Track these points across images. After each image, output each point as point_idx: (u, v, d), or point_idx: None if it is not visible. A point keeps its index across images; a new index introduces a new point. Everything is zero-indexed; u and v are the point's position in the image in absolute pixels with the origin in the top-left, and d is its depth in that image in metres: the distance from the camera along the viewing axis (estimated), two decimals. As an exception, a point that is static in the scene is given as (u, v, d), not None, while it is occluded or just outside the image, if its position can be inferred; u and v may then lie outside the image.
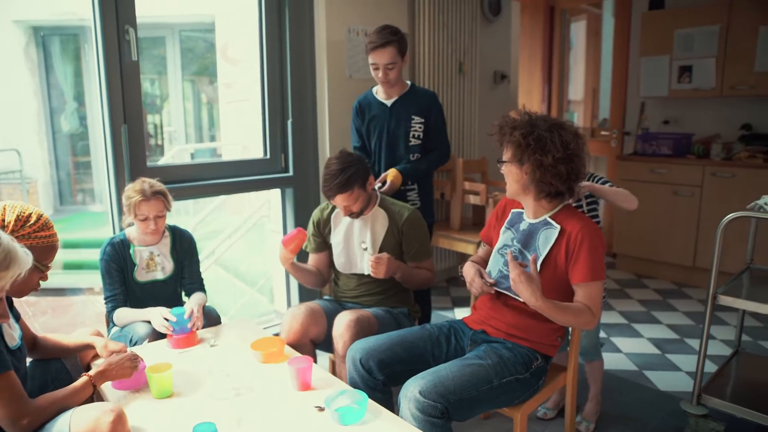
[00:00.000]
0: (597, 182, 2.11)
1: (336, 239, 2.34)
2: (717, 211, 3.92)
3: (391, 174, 2.60)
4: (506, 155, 1.79)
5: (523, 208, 1.90)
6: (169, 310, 2.07)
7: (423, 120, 2.71)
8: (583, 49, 6.19)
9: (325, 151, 3.30)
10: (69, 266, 5.62)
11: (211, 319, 2.29)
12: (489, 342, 1.86)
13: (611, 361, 2.96)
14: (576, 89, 6.29)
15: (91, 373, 1.62)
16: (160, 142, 7.69)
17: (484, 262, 2.02)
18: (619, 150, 4.89)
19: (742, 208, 2.07)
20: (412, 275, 2.28)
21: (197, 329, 2.11)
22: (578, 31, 6.26)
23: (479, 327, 1.92)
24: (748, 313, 3.24)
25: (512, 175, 1.79)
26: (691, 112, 4.52)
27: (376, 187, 2.43)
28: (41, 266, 1.54)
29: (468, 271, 1.91)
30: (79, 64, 7.15)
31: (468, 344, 1.90)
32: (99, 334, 1.97)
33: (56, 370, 1.82)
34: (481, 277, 1.86)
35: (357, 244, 2.30)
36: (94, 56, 2.54)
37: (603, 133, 5.13)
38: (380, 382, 1.82)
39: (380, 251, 2.27)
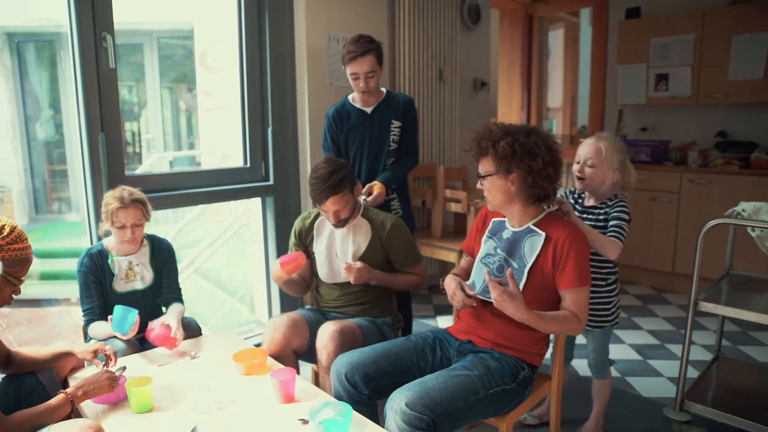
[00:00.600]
0: (615, 210, 2.02)
1: (319, 248, 2.31)
2: (695, 217, 3.98)
3: (378, 186, 2.59)
4: (488, 168, 1.77)
5: (503, 217, 1.90)
6: (121, 308, 2.01)
7: (400, 124, 2.72)
8: (561, 56, 6.27)
9: (306, 159, 3.27)
10: (45, 276, 5.50)
11: (191, 330, 2.25)
12: (476, 352, 1.85)
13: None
14: (554, 96, 6.36)
15: (69, 390, 1.57)
16: (138, 150, 7.59)
17: (466, 274, 2.02)
18: (598, 157, 4.94)
19: (719, 214, 2.10)
20: (393, 281, 2.28)
21: (179, 342, 2.07)
22: (556, 39, 6.33)
23: (465, 337, 1.91)
24: (727, 318, 3.28)
25: (497, 186, 1.78)
26: (668, 120, 4.60)
27: (361, 199, 2.41)
28: (14, 279, 1.49)
29: (449, 284, 1.90)
30: (55, 70, 7.02)
31: (454, 354, 1.89)
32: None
33: (31, 385, 1.77)
34: (463, 290, 1.85)
35: (340, 254, 2.28)
36: (71, 64, 2.49)
37: (582, 140, 5.18)
38: (365, 396, 1.80)
39: (362, 261, 2.25)
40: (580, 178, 2.10)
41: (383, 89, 2.75)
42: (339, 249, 2.27)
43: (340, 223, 2.23)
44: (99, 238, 2.33)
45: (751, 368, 2.62)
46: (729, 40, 3.98)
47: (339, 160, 2.21)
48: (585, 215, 2.12)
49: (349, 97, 2.76)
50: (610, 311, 2.14)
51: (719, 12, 4.04)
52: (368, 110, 2.70)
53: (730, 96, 4.04)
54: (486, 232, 1.93)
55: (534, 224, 1.81)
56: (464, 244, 2.07)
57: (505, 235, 1.86)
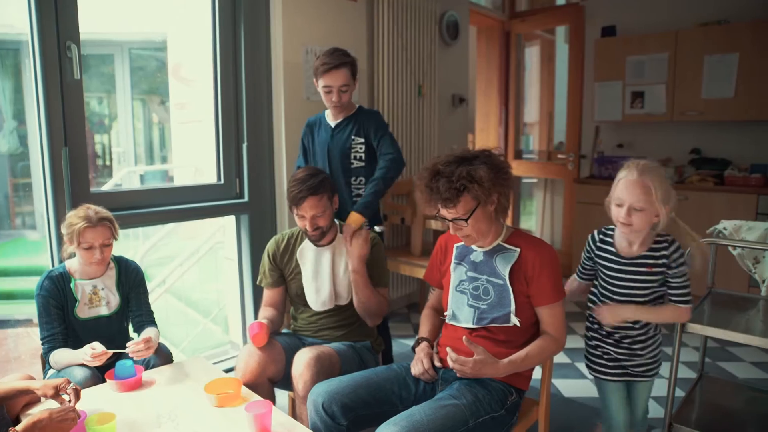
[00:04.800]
0: (677, 263, 1.77)
1: (306, 275, 2.20)
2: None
3: (353, 219, 2.33)
4: (469, 206, 1.66)
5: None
6: (105, 350, 1.90)
7: (363, 140, 2.60)
8: (537, 72, 6.30)
9: (282, 176, 3.18)
10: (2, 296, 5.23)
11: (161, 356, 2.11)
12: (461, 379, 1.77)
13: (577, 388, 2.92)
14: (530, 112, 6.38)
15: (20, 427, 1.41)
16: (108, 163, 7.39)
17: (437, 310, 2.00)
18: (576, 173, 4.95)
19: (697, 231, 2.06)
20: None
21: (142, 356, 1.95)
22: (532, 55, 6.38)
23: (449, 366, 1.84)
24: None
25: (481, 219, 1.70)
26: (644, 136, 4.64)
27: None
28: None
29: (419, 353, 1.88)
30: (20, 80, 6.79)
31: (440, 384, 1.81)
32: (30, 378, 1.77)
33: (-21, 424, 1.62)
34: (432, 360, 1.84)
35: (327, 274, 2.19)
36: (32, 74, 2.36)
37: (560, 156, 5.19)
38: (344, 428, 1.70)
39: (346, 279, 2.19)
40: (625, 224, 1.76)
41: (357, 105, 2.68)
42: (329, 272, 2.18)
43: (317, 233, 2.12)
44: (60, 261, 2.19)
45: (734, 387, 2.60)
46: (701, 59, 4.04)
47: (318, 168, 2.17)
48: (633, 267, 1.82)
49: (326, 112, 2.69)
50: (659, 358, 1.99)
51: (691, 32, 4.09)
52: (333, 124, 2.63)
53: (703, 114, 4.09)
54: (453, 260, 1.87)
55: (503, 241, 1.78)
56: (426, 275, 2.02)
57: (474, 257, 1.82)
